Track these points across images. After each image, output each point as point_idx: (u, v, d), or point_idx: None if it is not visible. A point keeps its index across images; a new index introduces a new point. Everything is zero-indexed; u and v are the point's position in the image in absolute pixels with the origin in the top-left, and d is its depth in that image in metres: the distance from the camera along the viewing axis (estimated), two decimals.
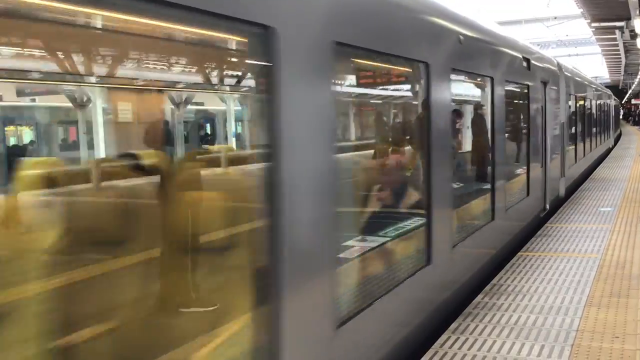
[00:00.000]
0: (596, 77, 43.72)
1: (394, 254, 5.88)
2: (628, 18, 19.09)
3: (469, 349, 5.36)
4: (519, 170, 10.33)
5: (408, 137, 6.79)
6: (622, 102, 67.49)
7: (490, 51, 8.14)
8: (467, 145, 8.95)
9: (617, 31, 22.53)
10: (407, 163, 6.32)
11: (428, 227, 5.79)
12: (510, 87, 9.29)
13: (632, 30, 20.52)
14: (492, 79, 7.93)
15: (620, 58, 36.72)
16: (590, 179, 17.29)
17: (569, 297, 6.67)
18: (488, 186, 8.15)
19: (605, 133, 28.53)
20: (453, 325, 5.94)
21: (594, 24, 21.61)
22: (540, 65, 11.22)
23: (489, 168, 8.18)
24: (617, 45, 28.80)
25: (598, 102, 24.53)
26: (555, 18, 35.12)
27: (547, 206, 11.78)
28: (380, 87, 6.51)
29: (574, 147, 16.37)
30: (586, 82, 20.57)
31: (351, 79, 5.40)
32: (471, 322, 6.00)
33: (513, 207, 9.11)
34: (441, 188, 6.03)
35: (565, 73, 14.48)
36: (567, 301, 6.52)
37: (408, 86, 6.80)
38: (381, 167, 6.08)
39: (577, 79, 17.49)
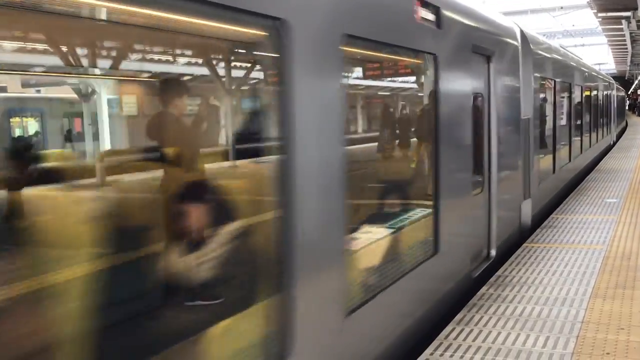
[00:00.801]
0: (599, 64, 43.49)
1: None
2: (635, 8, 18.96)
3: (473, 340, 5.36)
4: (409, 212, 6.16)
5: None
6: (629, 93, 67.23)
7: None
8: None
9: (623, 21, 22.38)
10: None
11: None
12: (377, 55, 5.39)
13: (639, 21, 20.40)
14: (279, 26, 3.45)
15: (626, 48, 36.50)
16: (596, 170, 17.24)
17: (574, 288, 6.66)
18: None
19: (603, 129, 23.37)
20: (458, 317, 5.94)
21: (600, 14, 21.46)
22: (474, 25, 7.10)
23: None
24: (623, 35, 28.61)
25: (592, 91, 19.25)
26: (562, 8, 35.01)
27: (493, 252, 7.98)
28: None
29: (551, 151, 12.18)
30: (571, 63, 15.24)
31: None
32: (476, 314, 6.00)
33: (385, 294, 4.96)
34: None
35: (534, 49, 10.05)
36: (572, 292, 6.52)
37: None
38: None
39: (555, 57, 12.62)
